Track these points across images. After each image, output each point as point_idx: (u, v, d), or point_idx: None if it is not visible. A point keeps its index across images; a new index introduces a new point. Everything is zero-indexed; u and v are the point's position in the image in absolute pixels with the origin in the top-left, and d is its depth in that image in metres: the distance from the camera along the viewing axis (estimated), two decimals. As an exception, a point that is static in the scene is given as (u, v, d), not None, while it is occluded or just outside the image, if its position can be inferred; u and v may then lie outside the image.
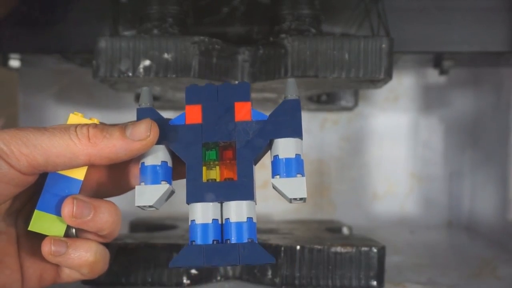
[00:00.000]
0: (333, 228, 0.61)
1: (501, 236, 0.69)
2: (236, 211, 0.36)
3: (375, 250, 0.46)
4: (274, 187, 0.36)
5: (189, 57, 0.45)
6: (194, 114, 0.38)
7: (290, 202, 0.37)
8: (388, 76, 0.46)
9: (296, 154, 0.37)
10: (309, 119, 0.79)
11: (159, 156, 0.37)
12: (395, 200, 0.81)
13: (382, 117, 0.81)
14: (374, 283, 0.46)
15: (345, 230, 0.61)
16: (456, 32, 0.55)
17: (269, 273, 0.46)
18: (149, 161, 0.37)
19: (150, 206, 0.37)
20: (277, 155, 0.37)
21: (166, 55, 0.45)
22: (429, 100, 0.81)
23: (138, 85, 0.48)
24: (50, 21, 0.55)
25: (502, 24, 0.55)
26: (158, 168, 0.37)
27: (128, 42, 0.45)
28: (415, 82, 0.81)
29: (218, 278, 0.48)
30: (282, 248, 0.46)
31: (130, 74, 0.45)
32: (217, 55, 0.46)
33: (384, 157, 0.81)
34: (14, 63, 0.62)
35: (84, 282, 0.46)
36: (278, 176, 0.36)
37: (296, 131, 0.37)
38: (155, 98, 0.60)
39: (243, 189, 0.36)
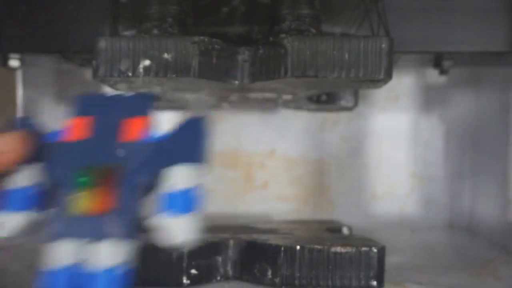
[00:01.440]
0: (333, 228, 0.61)
1: (502, 237, 0.69)
2: (102, 254, 0.30)
3: (375, 250, 0.46)
4: (157, 227, 0.31)
5: (189, 57, 0.45)
6: (77, 130, 0.32)
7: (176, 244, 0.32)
8: (388, 76, 0.46)
9: (190, 187, 0.31)
10: (309, 119, 0.79)
11: (25, 178, 0.32)
12: (395, 201, 0.81)
13: (382, 117, 0.81)
14: (374, 283, 0.46)
15: (345, 230, 0.61)
16: (456, 32, 0.55)
17: (269, 273, 0.46)
18: (14, 183, 0.31)
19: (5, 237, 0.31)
20: (168, 186, 0.31)
21: (166, 55, 0.45)
22: (429, 100, 0.81)
23: (138, 85, 0.48)
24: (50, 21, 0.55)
25: (502, 24, 0.55)
26: (23, 192, 0.31)
27: (128, 42, 0.45)
28: (415, 82, 0.81)
29: (218, 278, 0.48)
30: (282, 248, 0.46)
31: (130, 74, 0.45)
32: (217, 55, 0.46)
33: (384, 157, 0.81)
34: (14, 63, 0.62)
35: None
36: (164, 214, 0.31)
37: (195, 157, 0.31)
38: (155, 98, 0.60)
39: (117, 226, 0.31)
